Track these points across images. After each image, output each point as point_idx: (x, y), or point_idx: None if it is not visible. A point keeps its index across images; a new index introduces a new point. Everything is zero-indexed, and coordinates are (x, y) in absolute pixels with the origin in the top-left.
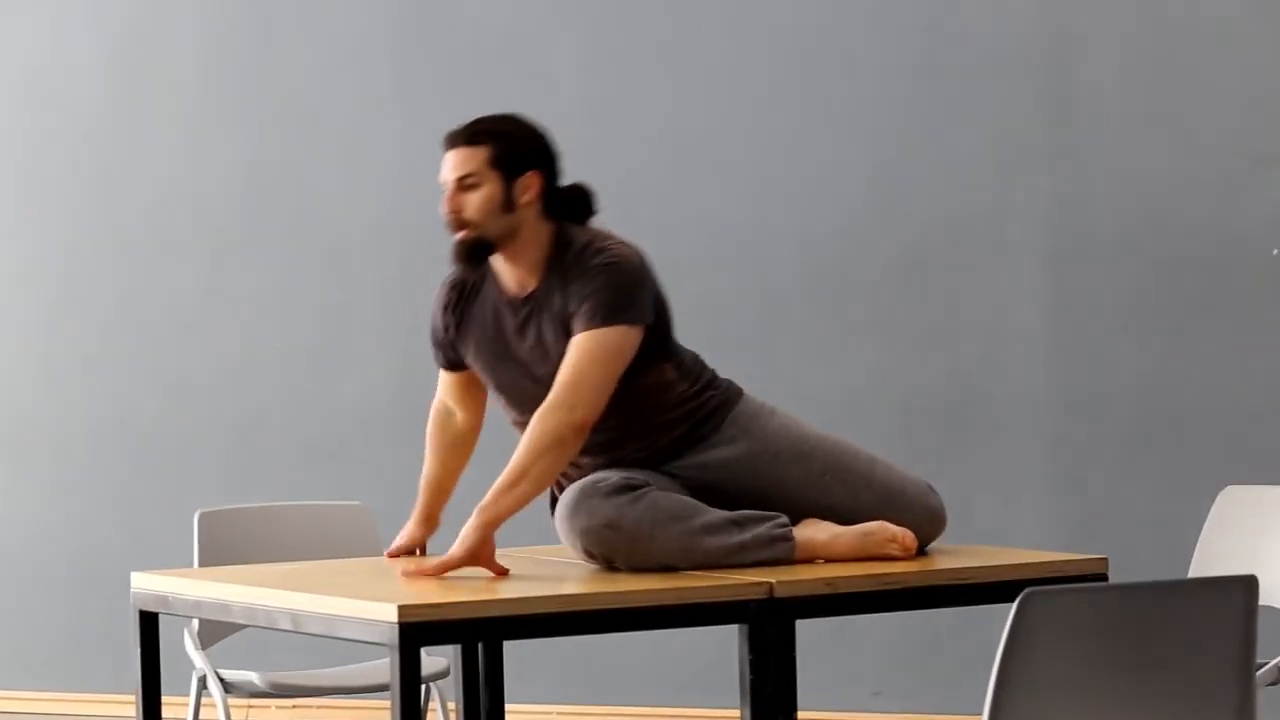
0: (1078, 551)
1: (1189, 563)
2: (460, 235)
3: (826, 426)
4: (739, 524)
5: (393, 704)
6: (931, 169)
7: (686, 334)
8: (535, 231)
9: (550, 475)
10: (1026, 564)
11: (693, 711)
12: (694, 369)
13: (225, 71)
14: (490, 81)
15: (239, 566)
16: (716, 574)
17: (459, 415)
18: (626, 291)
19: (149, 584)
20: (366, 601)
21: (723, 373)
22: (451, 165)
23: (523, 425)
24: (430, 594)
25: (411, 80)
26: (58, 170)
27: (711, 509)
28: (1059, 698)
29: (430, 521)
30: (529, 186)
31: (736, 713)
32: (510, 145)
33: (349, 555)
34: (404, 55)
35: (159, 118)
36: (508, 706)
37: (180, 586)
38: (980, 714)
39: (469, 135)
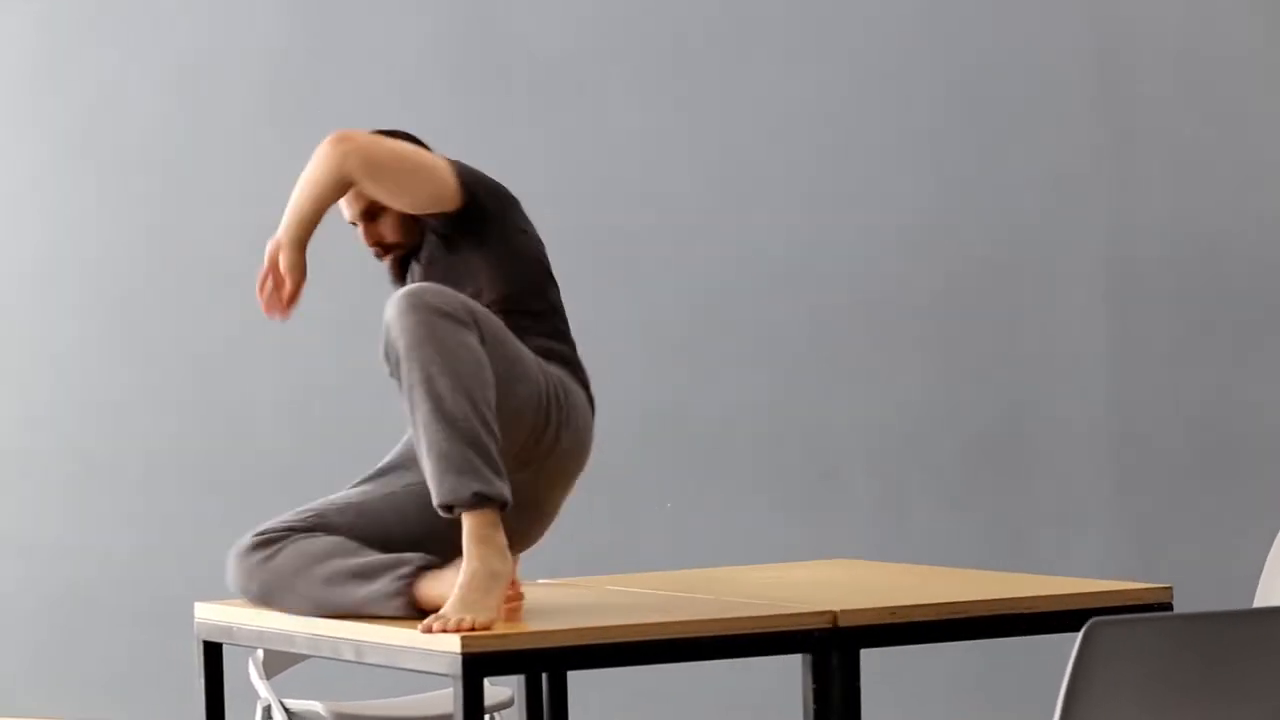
0: (1139, 581)
1: (1253, 592)
2: (392, 257)
3: (884, 454)
4: (365, 575)
5: None
6: (987, 197)
7: (743, 359)
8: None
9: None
10: (1091, 593)
11: None
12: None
13: (281, 103)
14: (543, 107)
15: None
16: (779, 603)
17: None
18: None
19: (213, 615)
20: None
21: (777, 398)
22: (348, 206)
23: None
24: (497, 626)
25: (467, 108)
26: (117, 204)
27: (353, 553)
28: None
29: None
30: None
31: None
32: None
33: None
34: (460, 84)
35: (217, 150)
36: None
37: (244, 617)
38: None
39: None
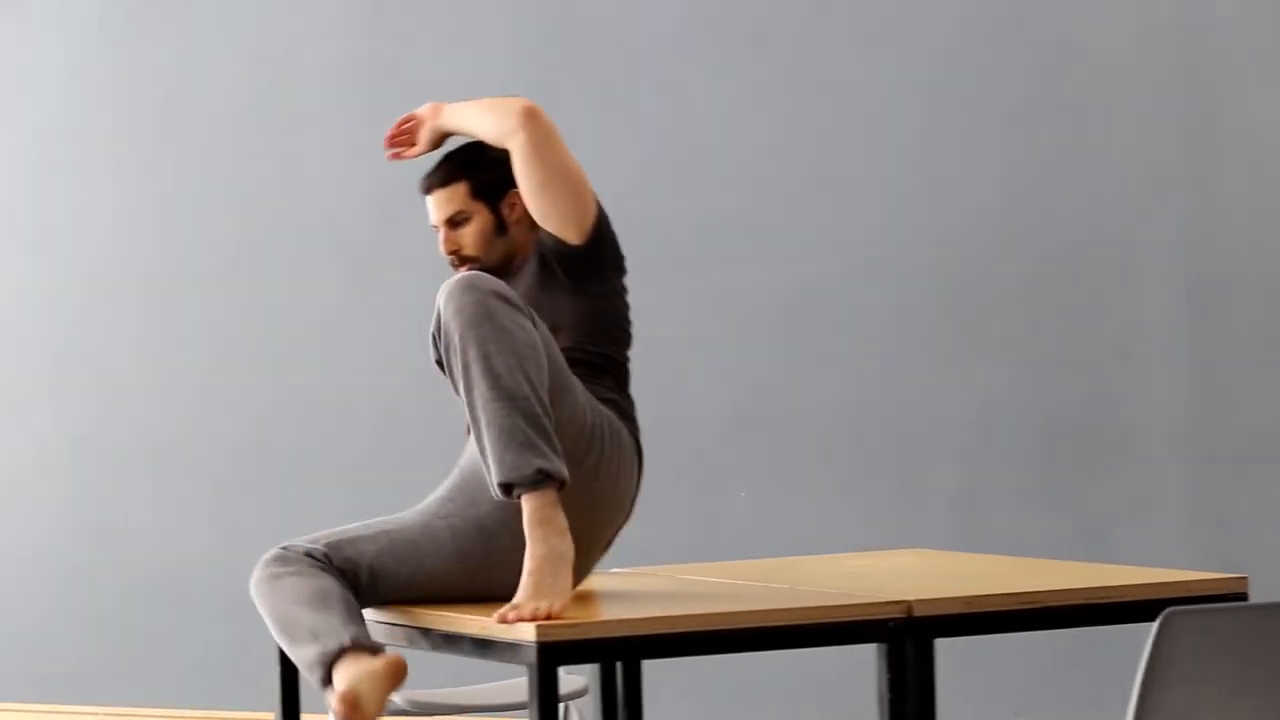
0: (1216, 572)
1: None
2: (466, 269)
3: (965, 444)
4: (308, 636)
5: None
6: (1070, 186)
7: (827, 349)
8: (529, 243)
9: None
10: (1167, 583)
11: None
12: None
13: (361, 87)
14: (624, 94)
15: None
16: (854, 593)
17: None
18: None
19: None
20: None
21: (860, 388)
22: (437, 208)
23: None
24: (569, 613)
25: (547, 93)
26: (195, 195)
27: (322, 605)
28: (1200, 717)
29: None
30: (514, 205)
31: None
32: (486, 173)
33: None
34: (540, 69)
35: (297, 137)
36: None
37: None
38: None
39: (444, 176)
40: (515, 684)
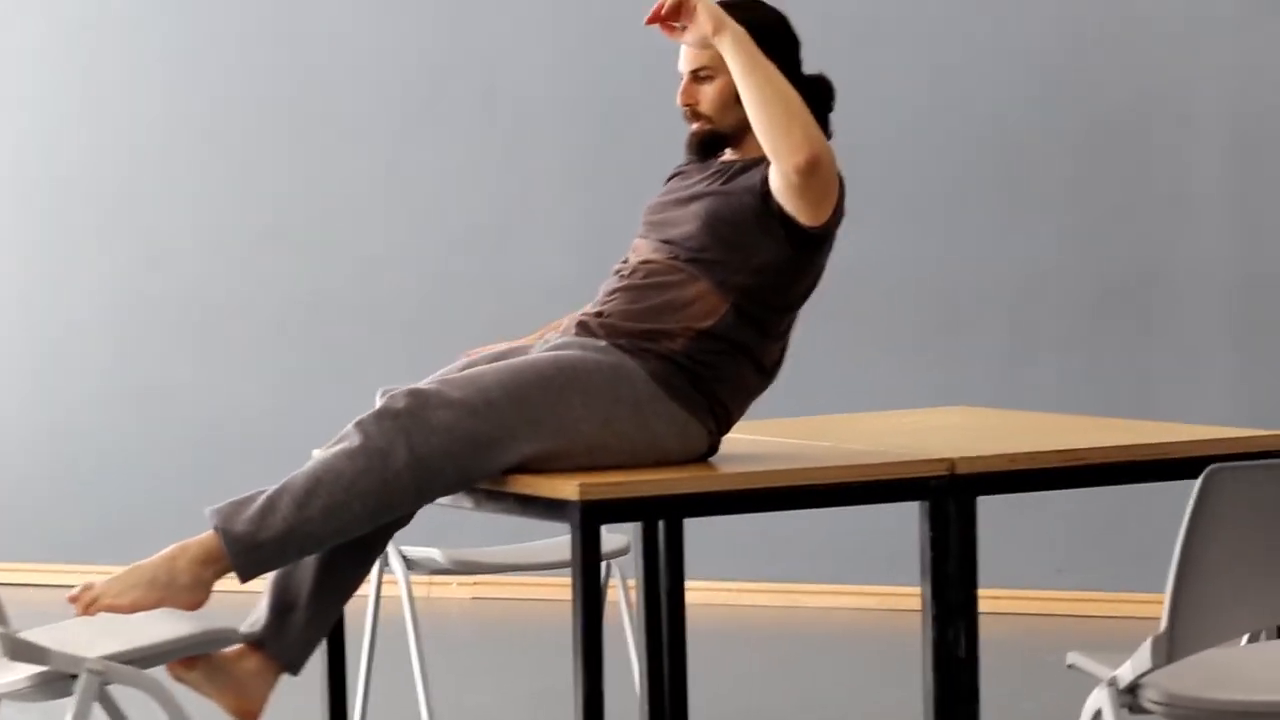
0: (1262, 428)
1: None
2: (695, 127)
3: (1011, 302)
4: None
5: (573, 581)
6: (1116, 42)
7: (872, 216)
8: None
9: (782, 101)
10: (1210, 440)
11: (874, 588)
12: (748, 343)
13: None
14: None
15: None
16: (897, 450)
17: None
18: (840, 181)
19: None
20: (548, 479)
21: (906, 248)
22: (687, 57)
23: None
24: (611, 473)
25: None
26: (239, 53)
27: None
28: (1242, 574)
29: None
30: None
31: (917, 590)
32: (750, 35)
33: None
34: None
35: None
36: (688, 584)
37: None
38: (1163, 592)
39: None
40: (558, 543)
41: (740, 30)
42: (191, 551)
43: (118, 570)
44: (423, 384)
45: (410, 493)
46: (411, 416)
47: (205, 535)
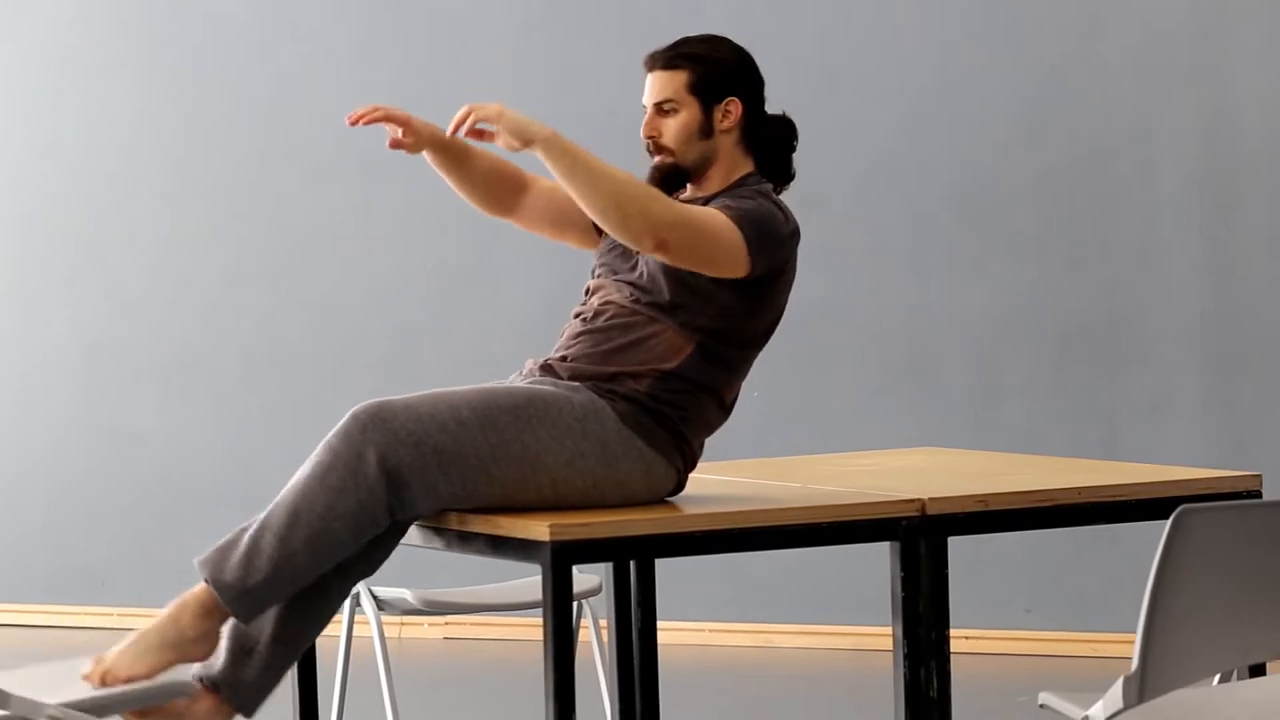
0: (1230, 469)
1: None
2: (657, 160)
3: (978, 343)
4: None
5: (544, 621)
6: (1081, 86)
7: (840, 254)
8: (731, 160)
9: (610, 194)
10: (1180, 481)
11: (845, 628)
12: (712, 382)
13: None
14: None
15: None
16: (868, 491)
17: (525, 183)
18: (768, 225)
19: None
20: (519, 519)
21: (874, 287)
22: (651, 89)
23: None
24: (582, 513)
25: None
26: (205, 96)
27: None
28: (1213, 615)
29: (436, 140)
30: (728, 113)
31: (888, 630)
32: (710, 70)
33: None
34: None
35: (306, 41)
36: (659, 624)
37: None
38: (1131, 632)
39: (668, 59)
40: (529, 583)
41: (549, 133)
42: (191, 607)
43: (81, 611)
44: (390, 398)
45: (383, 505)
46: (378, 428)
47: (199, 588)
